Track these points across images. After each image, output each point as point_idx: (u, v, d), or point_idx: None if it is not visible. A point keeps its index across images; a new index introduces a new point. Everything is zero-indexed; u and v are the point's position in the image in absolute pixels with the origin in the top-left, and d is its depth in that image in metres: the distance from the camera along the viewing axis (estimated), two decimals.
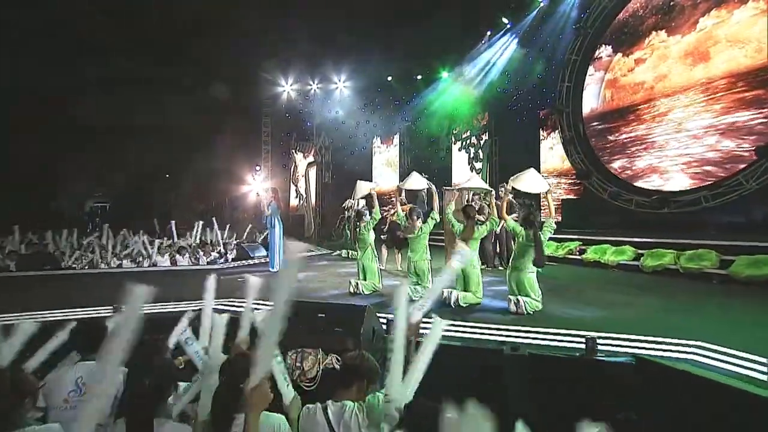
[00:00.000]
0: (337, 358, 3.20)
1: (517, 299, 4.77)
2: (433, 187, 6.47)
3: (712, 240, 6.77)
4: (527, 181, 5.26)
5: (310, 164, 19.82)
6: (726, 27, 8.16)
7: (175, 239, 10.95)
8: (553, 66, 11.37)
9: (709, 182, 8.23)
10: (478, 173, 13.26)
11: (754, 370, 2.97)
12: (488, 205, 6.91)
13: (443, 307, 5.06)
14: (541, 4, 11.54)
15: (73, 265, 9.20)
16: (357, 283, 5.86)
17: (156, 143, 18.98)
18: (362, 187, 6.77)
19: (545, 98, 11.65)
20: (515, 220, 5.52)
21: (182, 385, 2.31)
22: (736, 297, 5.43)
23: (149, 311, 5.17)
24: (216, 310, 3.11)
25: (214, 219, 13.03)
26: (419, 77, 14.98)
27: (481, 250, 6.45)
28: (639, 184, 9.52)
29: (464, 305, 5.06)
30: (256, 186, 21.23)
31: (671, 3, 9.09)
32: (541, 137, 12.05)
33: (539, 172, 11.56)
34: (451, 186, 10.95)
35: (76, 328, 2.89)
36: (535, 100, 11.90)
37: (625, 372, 3.02)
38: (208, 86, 17.04)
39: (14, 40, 14.83)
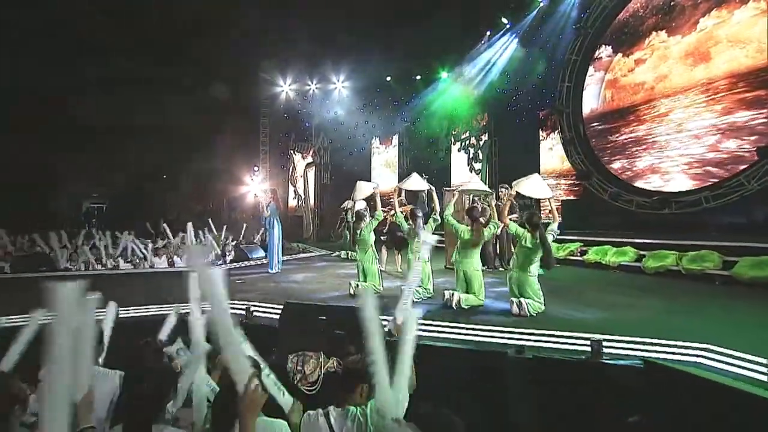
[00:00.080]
0: (338, 362, 3.14)
1: (519, 301, 4.72)
2: (433, 189, 6.44)
3: (713, 241, 6.73)
4: (531, 186, 5.20)
5: (308, 165, 19.75)
6: (727, 27, 8.14)
7: (171, 239, 10.85)
8: (553, 66, 11.33)
9: (710, 183, 8.19)
10: (477, 174, 13.21)
11: (762, 372, 2.92)
12: (488, 206, 6.88)
13: (445, 309, 5.02)
14: (541, 4, 11.51)
15: (69, 266, 9.11)
16: (357, 285, 5.79)
17: (153, 143, 18.91)
18: (364, 189, 6.68)
19: (545, 98, 11.61)
20: (515, 221, 5.48)
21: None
22: (739, 299, 5.39)
23: (144, 314, 5.13)
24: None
25: (210, 220, 12.95)
26: (418, 77, 14.93)
27: (482, 252, 6.39)
28: (639, 184, 9.49)
29: (466, 307, 5.00)
30: (254, 187, 21.15)
31: (672, 3, 9.07)
32: (541, 138, 12.01)
33: (539, 172, 11.61)
34: (450, 187, 10.91)
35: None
36: (535, 101, 11.85)
37: (632, 375, 2.97)
38: (207, 86, 16.98)
39: (14, 40, 14.73)
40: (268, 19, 13.76)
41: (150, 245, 10.33)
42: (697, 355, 3.27)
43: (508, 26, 12.34)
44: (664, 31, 9.20)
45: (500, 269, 7.70)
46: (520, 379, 3.37)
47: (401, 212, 6.33)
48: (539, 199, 7.64)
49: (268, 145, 21.68)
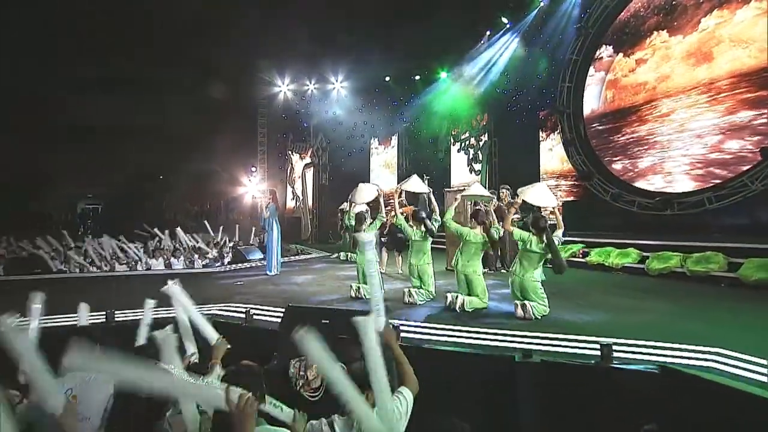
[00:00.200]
0: (342, 367, 3.03)
1: (524, 303, 4.64)
2: (431, 192, 6.36)
3: (716, 242, 6.67)
4: (536, 195, 5.10)
5: (306, 165, 19.62)
6: (729, 27, 8.10)
7: (167, 243, 10.72)
8: (553, 66, 11.27)
9: (713, 184, 8.14)
10: (477, 174, 13.14)
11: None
12: (489, 211, 6.80)
13: (448, 312, 4.93)
14: (541, 4, 11.45)
15: (63, 269, 8.97)
16: (359, 287, 5.69)
17: (149, 143, 18.75)
18: (367, 192, 6.50)
19: (545, 99, 11.54)
20: (516, 221, 5.39)
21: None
22: (745, 301, 5.33)
23: (139, 317, 5.00)
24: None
25: (206, 221, 12.85)
26: (417, 78, 14.85)
27: (483, 254, 6.31)
28: (641, 185, 9.43)
29: (470, 310, 4.91)
30: (252, 188, 21.02)
31: (673, 3, 9.02)
32: (541, 138, 11.95)
33: (539, 173, 11.61)
34: (450, 188, 10.82)
35: (64, 336, 2.75)
36: (535, 101, 11.79)
37: (647, 381, 2.87)
38: (204, 86, 16.86)
39: (14, 39, 14.59)
40: (267, 19, 13.65)
41: (141, 247, 10.19)
42: (709, 360, 3.20)
43: (508, 26, 12.27)
44: (665, 30, 9.16)
45: (502, 271, 7.62)
46: (528, 385, 3.28)
47: (402, 213, 6.24)
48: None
49: (266, 146, 21.54)
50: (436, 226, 5.65)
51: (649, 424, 2.43)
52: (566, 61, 10.99)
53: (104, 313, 4.75)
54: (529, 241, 4.69)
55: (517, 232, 4.80)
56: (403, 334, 4.08)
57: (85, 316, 3.22)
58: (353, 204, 6.50)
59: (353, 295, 5.71)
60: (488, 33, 12.78)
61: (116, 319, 4.60)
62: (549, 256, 4.66)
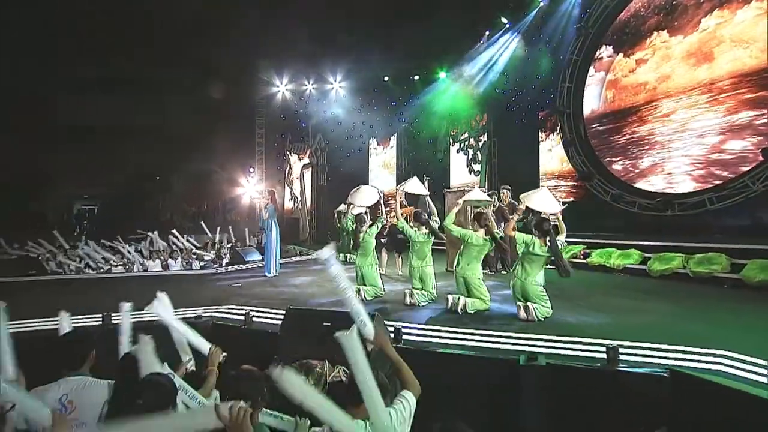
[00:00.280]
0: (344, 371, 2.97)
1: (526, 305, 4.59)
2: (428, 195, 6.32)
3: (718, 243, 6.64)
4: (539, 200, 5.04)
5: (305, 166, 19.53)
6: (729, 27, 8.08)
7: (162, 245, 10.60)
8: (553, 66, 11.23)
9: (714, 184, 8.11)
10: (476, 175, 13.09)
11: None
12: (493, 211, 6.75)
13: (450, 314, 4.87)
14: (541, 4, 11.40)
15: (59, 270, 8.86)
16: (359, 289, 5.61)
17: (147, 144, 18.63)
18: (367, 195, 6.40)
19: (545, 99, 11.50)
20: (518, 222, 5.33)
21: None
22: (748, 302, 5.30)
23: (136, 320, 4.92)
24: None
25: (203, 222, 12.75)
26: (417, 78, 14.79)
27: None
28: (642, 186, 9.39)
29: (471, 312, 4.86)
30: (250, 188, 20.91)
31: (673, 3, 9.00)
32: (540, 139, 11.91)
33: (538, 174, 11.56)
34: (450, 188, 10.77)
35: (59, 340, 2.70)
36: (535, 101, 11.74)
37: (653, 384, 2.82)
38: (204, 86, 16.76)
39: (14, 39, 14.48)
40: (267, 19, 13.57)
41: (135, 249, 10.10)
42: (716, 362, 3.15)
43: (507, 26, 12.22)
44: (665, 30, 9.13)
45: (503, 272, 7.57)
46: (533, 388, 3.22)
47: (402, 213, 6.19)
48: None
49: (264, 146, 21.41)
50: (436, 227, 5.59)
51: (658, 429, 2.37)
52: (566, 61, 10.95)
53: (100, 315, 4.69)
54: (532, 243, 4.62)
55: (520, 236, 4.71)
56: (405, 337, 4.02)
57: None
58: (352, 206, 6.40)
59: None
60: (488, 33, 12.72)
61: (113, 321, 4.52)
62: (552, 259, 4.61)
